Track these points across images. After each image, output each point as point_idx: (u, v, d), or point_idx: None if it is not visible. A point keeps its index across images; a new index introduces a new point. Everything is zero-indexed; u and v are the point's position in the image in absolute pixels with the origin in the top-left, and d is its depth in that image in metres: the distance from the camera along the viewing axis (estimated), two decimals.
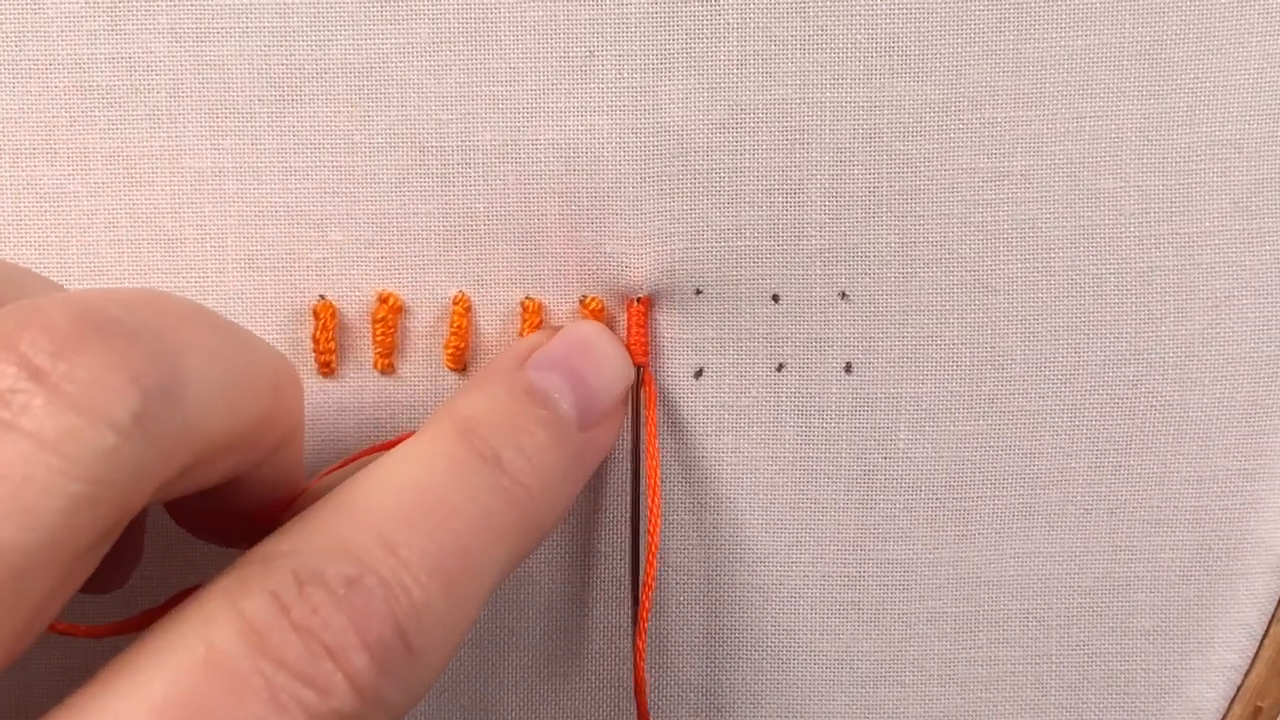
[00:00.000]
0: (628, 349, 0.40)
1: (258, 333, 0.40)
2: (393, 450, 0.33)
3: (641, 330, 0.40)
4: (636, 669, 0.40)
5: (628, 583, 0.42)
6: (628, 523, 0.42)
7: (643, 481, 0.41)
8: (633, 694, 0.42)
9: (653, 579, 0.41)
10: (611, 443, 0.39)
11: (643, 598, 0.40)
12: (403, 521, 0.30)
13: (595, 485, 0.42)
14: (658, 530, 0.41)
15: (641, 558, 0.41)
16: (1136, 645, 0.42)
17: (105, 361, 0.26)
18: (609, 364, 0.39)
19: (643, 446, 0.41)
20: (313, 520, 0.30)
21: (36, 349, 0.26)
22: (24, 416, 0.25)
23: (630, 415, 0.41)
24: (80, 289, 0.30)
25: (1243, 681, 0.43)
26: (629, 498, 0.41)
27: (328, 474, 0.37)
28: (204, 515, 0.36)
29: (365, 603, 0.28)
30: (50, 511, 0.25)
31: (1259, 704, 0.42)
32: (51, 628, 0.32)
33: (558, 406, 0.36)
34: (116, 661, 0.26)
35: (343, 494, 0.31)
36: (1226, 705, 0.43)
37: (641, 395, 0.41)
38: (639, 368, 0.40)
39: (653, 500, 0.40)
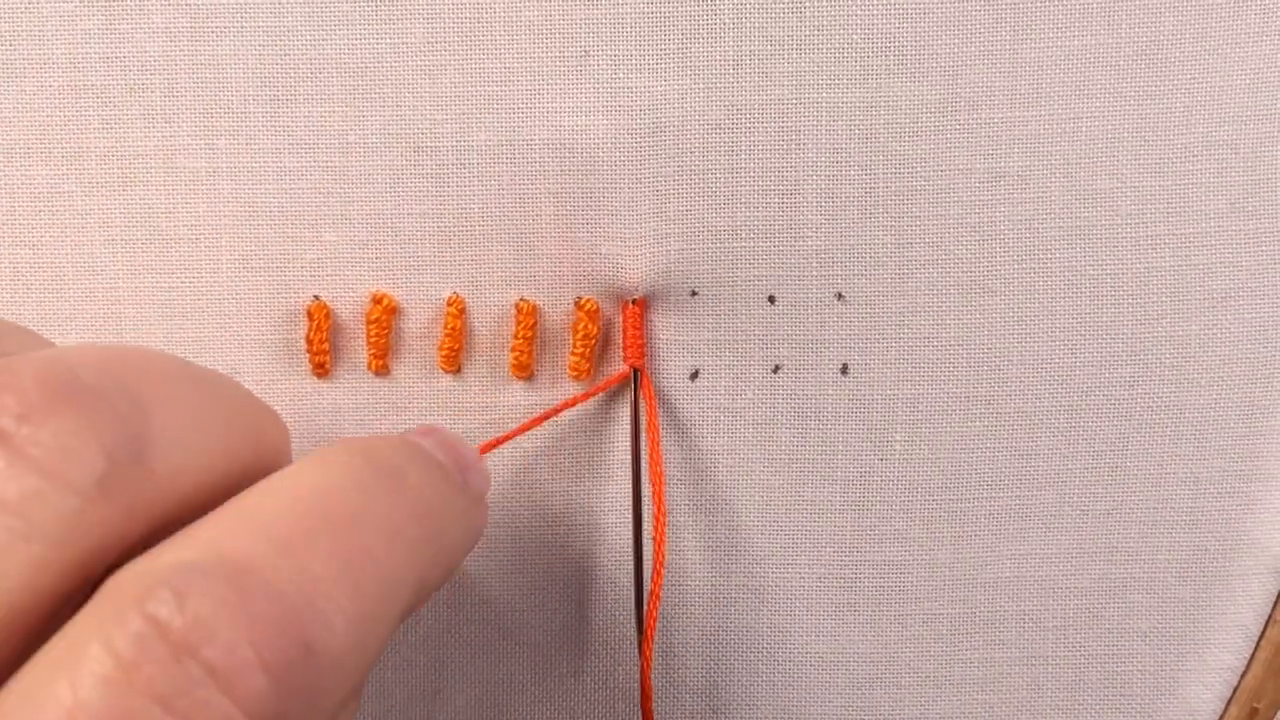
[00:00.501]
0: (623, 351, 0.40)
1: (251, 333, 0.40)
2: (288, 466, 0.30)
3: (637, 332, 0.40)
4: (643, 676, 0.40)
5: (626, 584, 0.42)
6: (628, 526, 0.41)
7: (644, 486, 0.41)
8: (631, 696, 0.42)
9: (659, 588, 0.41)
10: (483, 527, 0.35)
11: (649, 606, 0.40)
12: (300, 526, 0.27)
13: (595, 487, 0.42)
14: (664, 540, 0.41)
15: (646, 568, 0.41)
16: (1133, 646, 0.42)
17: (71, 425, 0.26)
18: (471, 450, 0.35)
19: (644, 450, 0.41)
20: (198, 528, 0.27)
21: (3, 412, 0.25)
22: None
23: (630, 418, 0.41)
24: (60, 348, 0.28)
25: (1239, 683, 0.43)
26: (630, 501, 0.41)
27: None
28: None
29: (260, 610, 0.25)
30: (10, 574, 0.24)
31: (1255, 705, 0.42)
32: None
33: (443, 461, 0.34)
34: None
35: (232, 503, 0.28)
36: (1223, 706, 0.43)
37: (640, 398, 0.40)
38: (635, 371, 0.40)
39: (658, 510, 0.40)
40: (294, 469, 0.29)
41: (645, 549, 0.41)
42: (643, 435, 0.41)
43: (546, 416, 0.40)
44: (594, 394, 0.41)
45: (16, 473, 0.25)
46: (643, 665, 0.40)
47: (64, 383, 0.26)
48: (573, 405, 0.41)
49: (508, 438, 0.40)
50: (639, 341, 0.40)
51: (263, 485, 0.29)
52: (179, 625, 0.24)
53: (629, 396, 0.41)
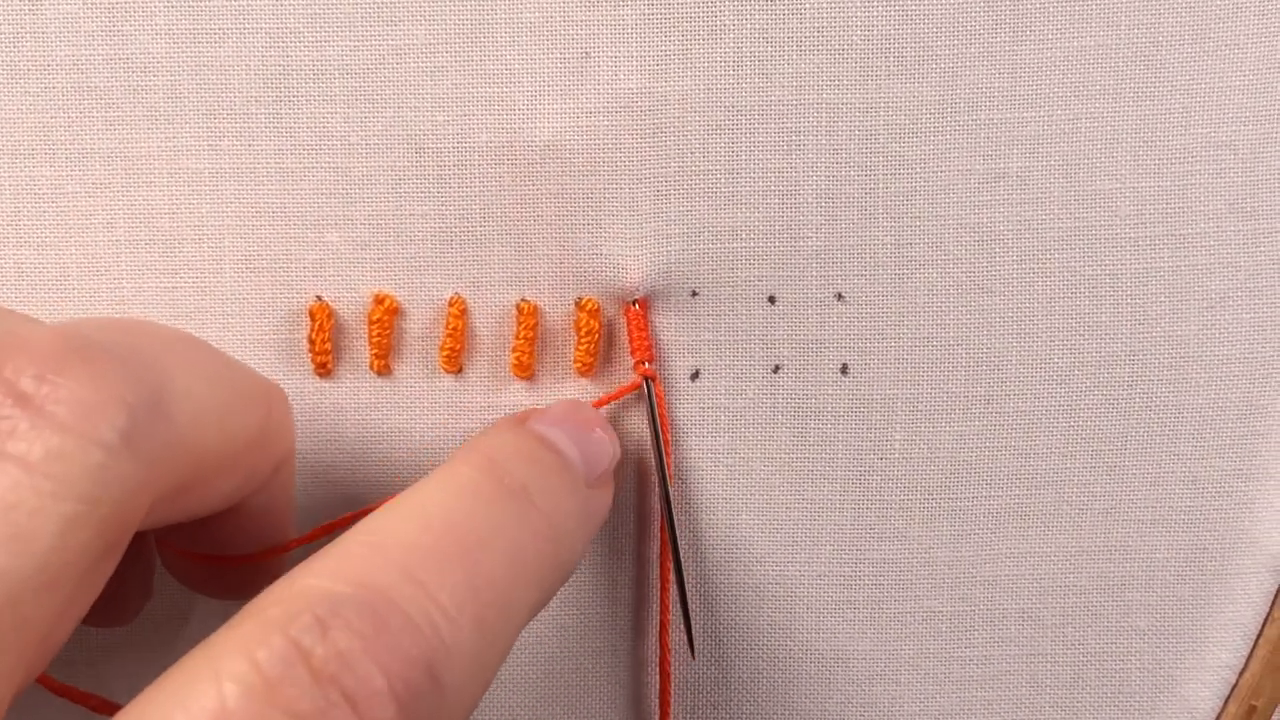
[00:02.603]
0: (631, 354, 0.40)
1: (254, 333, 0.41)
2: (417, 483, 0.32)
3: (643, 333, 0.40)
4: (662, 675, 0.41)
5: (629, 581, 0.42)
6: (631, 525, 0.42)
7: (670, 488, 0.41)
8: (638, 697, 0.42)
9: (668, 581, 0.41)
10: (607, 510, 0.37)
11: (662, 599, 0.41)
12: (430, 555, 0.28)
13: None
14: (668, 537, 0.41)
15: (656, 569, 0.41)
16: (1131, 644, 0.42)
17: (90, 382, 0.26)
18: (597, 430, 0.37)
19: (661, 452, 0.41)
20: (336, 555, 0.28)
21: (20, 374, 0.26)
22: (10, 442, 0.25)
23: (649, 426, 0.41)
24: (71, 319, 0.29)
25: (1237, 680, 0.43)
26: (650, 506, 0.41)
27: (311, 538, 0.37)
28: (198, 558, 0.36)
29: (394, 643, 0.26)
30: (43, 535, 0.25)
31: (1253, 703, 0.43)
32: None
33: (567, 455, 0.35)
34: (124, 713, 0.25)
35: (366, 527, 0.29)
36: (1221, 704, 0.43)
37: (654, 403, 0.41)
38: (648, 380, 0.40)
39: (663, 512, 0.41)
40: (422, 487, 0.31)
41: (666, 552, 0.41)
42: (660, 437, 0.41)
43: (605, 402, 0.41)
44: (610, 400, 0.40)
45: (40, 433, 0.25)
46: (662, 654, 0.41)
47: (80, 344, 0.27)
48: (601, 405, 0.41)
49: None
50: (645, 343, 0.40)
51: (392, 505, 0.30)
52: (320, 654, 0.25)
53: (637, 401, 0.41)
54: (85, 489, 0.25)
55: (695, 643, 0.42)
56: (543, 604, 0.32)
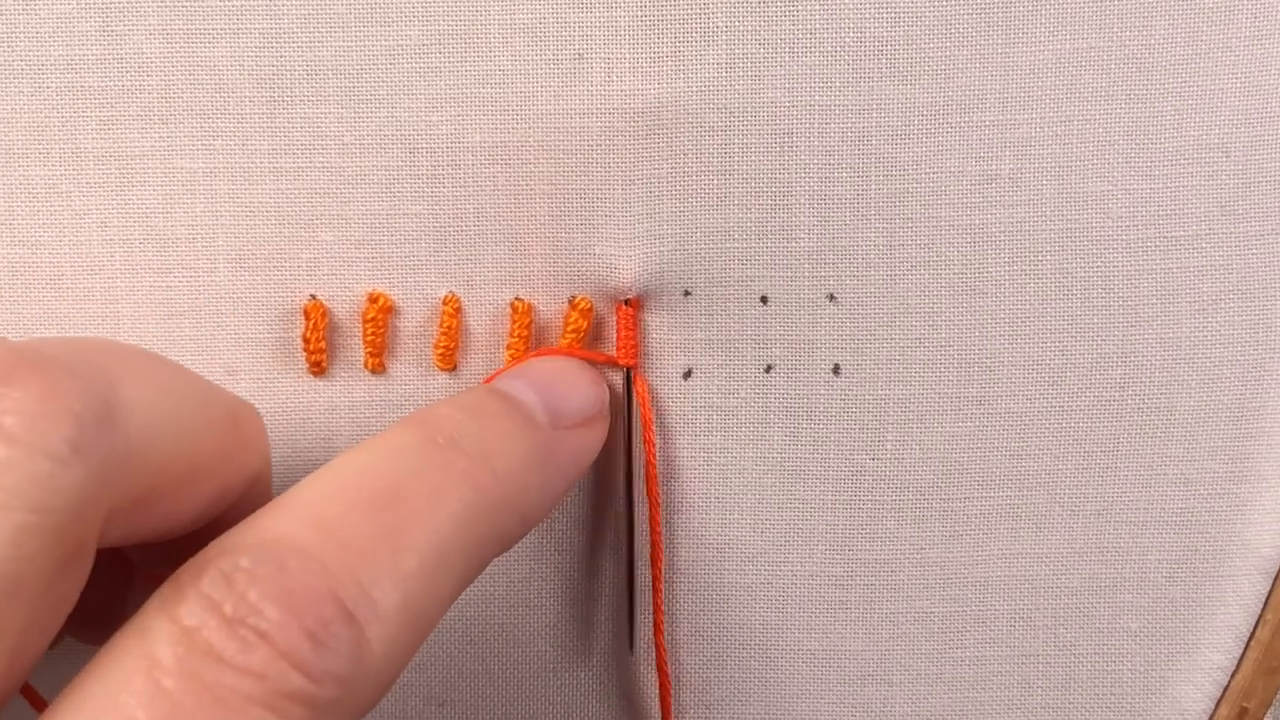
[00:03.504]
0: (617, 351, 0.40)
1: (248, 332, 0.41)
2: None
3: (630, 333, 0.40)
4: (659, 662, 0.41)
5: (617, 580, 0.42)
6: (620, 523, 0.42)
7: (636, 485, 0.41)
8: (632, 696, 0.42)
9: (660, 579, 0.41)
10: (593, 449, 0.39)
11: (655, 598, 0.41)
12: (335, 503, 0.29)
13: (592, 486, 0.42)
14: (660, 535, 0.41)
15: (641, 565, 0.41)
16: (1123, 646, 0.42)
17: (37, 392, 0.26)
18: (575, 374, 0.39)
19: (636, 450, 0.41)
20: (248, 521, 0.29)
21: None
22: None
23: (624, 419, 0.41)
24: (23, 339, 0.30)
25: (1229, 682, 0.43)
26: (622, 500, 0.42)
27: None
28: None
29: (295, 582, 0.27)
30: None
31: (1245, 705, 0.43)
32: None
33: (520, 400, 0.36)
34: (64, 693, 0.26)
35: (282, 495, 0.30)
36: (1213, 706, 0.43)
37: (633, 398, 0.41)
38: (628, 370, 0.41)
39: (653, 507, 0.41)
40: (344, 454, 0.32)
41: (636, 547, 0.41)
42: (635, 434, 0.41)
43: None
44: (576, 354, 0.41)
45: None
46: (658, 654, 0.41)
47: (28, 356, 0.27)
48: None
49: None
50: (632, 342, 0.40)
51: (312, 474, 0.31)
52: (227, 601, 0.27)
53: (623, 396, 0.41)
54: (34, 498, 0.25)
55: (670, 641, 0.42)
56: (487, 547, 0.32)
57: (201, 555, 0.28)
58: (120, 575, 0.36)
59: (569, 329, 0.40)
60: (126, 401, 0.28)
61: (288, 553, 0.28)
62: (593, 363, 0.41)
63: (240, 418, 0.32)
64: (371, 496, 0.30)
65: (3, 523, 0.25)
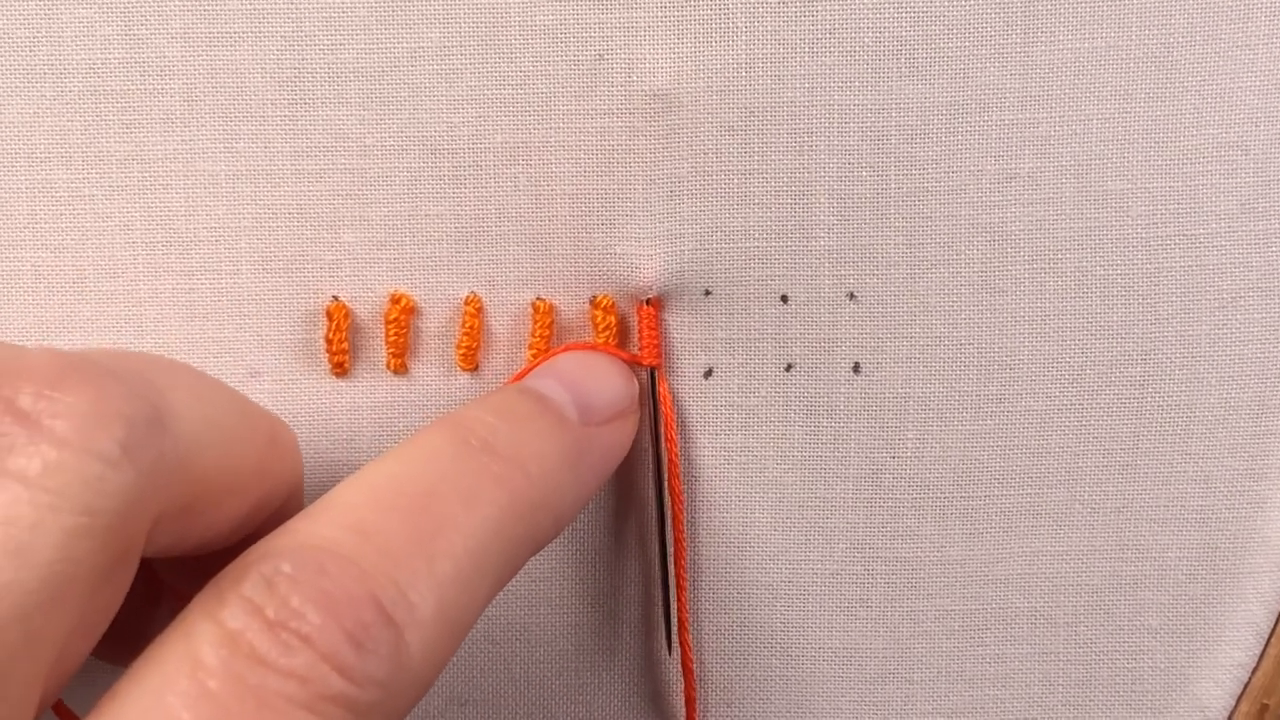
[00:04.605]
0: (640, 351, 0.41)
1: (271, 334, 0.41)
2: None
3: (653, 333, 0.40)
4: (684, 659, 0.41)
5: (640, 578, 0.42)
6: (649, 523, 0.42)
7: (665, 485, 0.41)
8: (656, 697, 0.42)
9: (684, 578, 0.41)
10: (624, 445, 0.39)
11: (678, 597, 0.41)
12: (373, 508, 0.30)
13: (617, 486, 0.42)
14: (683, 533, 0.41)
15: (670, 563, 0.41)
16: (1144, 643, 0.43)
17: (88, 397, 0.26)
18: (604, 369, 0.39)
19: (662, 448, 0.41)
20: (287, 526, 0.29)
21: (19, 391, 0.26)
22: (9, 458, 0.25)
23: (649, 420, 0.41)
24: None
25: (1250, 679, 0.43)
26: (652, 499, 0.42)
27: None
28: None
29: (336, 587, 0.27)
30: (45, 547, 0.25)
31: (1265, 701, 0.43)
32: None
33: (551, 399, 0.36)
34: (108, 695, 0.26)
35: (319, 499, 0.30)
36: (1233, 703, 0.43)
37: (655, 397, 0.41)
38: (652, 370, 0.41)
39: (677, 505, 0.41)
40: (378, 458, 0.32)
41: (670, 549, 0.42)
42: (661, 434, 0.41)
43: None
44: (602, 349, 0.41)
45: (38, 447, 0.25)
46: (683, 652, 0.41)
47: (77, 363, 0.27)
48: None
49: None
50: (655, 341, 0.41)
51: (348, 479, 0.31)
52: (269, 605, 0.27)
53: (647, 396, 0.41)
54: (85, 501, 0.25)
55: (693, 640, 0.42)
56: (521, 547, 0.33)
57: (242, 560, 0.28)
58: (149, 594, 0.37)
59: (600, 329, 0.40)
60: (174, 408, 0.28)
61: (326, 557, 0.28)
62: (620, 359, 0.41)
63: (277, 433, 0.33)
64: (407, 501, 0.30)
65: (53, 525, 0.25)
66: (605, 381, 0.39)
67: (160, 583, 0.37)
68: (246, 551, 0.28)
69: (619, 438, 0.38)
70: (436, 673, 0.29)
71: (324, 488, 0.41)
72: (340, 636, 0.27)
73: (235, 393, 0.32)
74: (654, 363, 0.41)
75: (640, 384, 0.41)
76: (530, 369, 0.40)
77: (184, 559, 0.34)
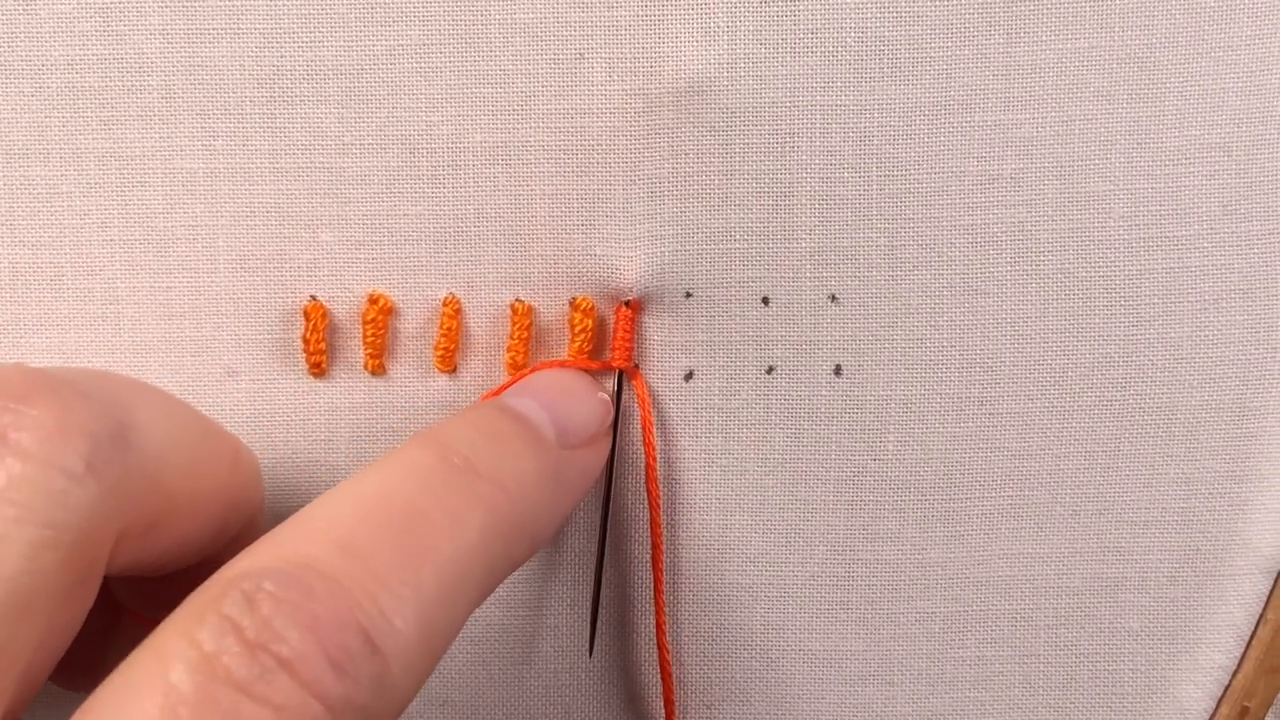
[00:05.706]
0: (611, 354, 0.40)
1: (248, 333, 0.41)
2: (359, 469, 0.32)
3: (627, 335, 0.40)
4: (664, 675, 0.41)
5: (614, 581, 0.42)
6: (626, 525, 0.42)
7: (612, 486, 0.41)
8: (636, 696, 0.42)
9: (662, 580, 0.41)
10: (596, 469, 0.39)
11: (657, 600, 0.41)
12: (360, 527, 0.29)
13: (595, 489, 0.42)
14: (661, 538, 0.41)
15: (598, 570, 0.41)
16: (1124, 646, 0.42)
17: (54, 412, 0.26)
18: (580, 392, 0.39)
19: (625, 451, 0.41)
20: (267, 539, 0.29)
21: None
22: None
23: (616, 421, 0.41)
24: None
25: (1230, 682, 0.43)
26: (628, 503, 0.42)
27: None
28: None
29: (322, 609, 0.27)
30: (9, 559, 0.25)
31: (1246, 704, 0.43)
32: None
33: (531, 420, 0.36)
34: (77, 715, 0.26)
35: (300, 512, 0.30)
36: (1214, 705, 0.43)
37: (630, 399, 0.41)
38: (621, 373, 0.41)
39: (654, 508, 0.41)
40: (361, 472, 0.31)
41: (606, 551, 0.42)
42: (631, 434, 0.41)
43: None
44: (578, 364, 0.40)
45: (2, 460, 0.26)
46: (662, 654, 0.41)
47: (44, 379, 0.27)
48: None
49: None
50: (627, 344, 0.40)
51: (330, 492, 0.31)
52: (250, 625, 0.26)
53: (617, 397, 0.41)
54: (49, 514, 0.25)
55: (672, 642, 0.42)
56: (502, 567, 0.32)
57: (220, 575, 0.27)
58: (107, 618, 0.36)
59: (577, 331, 0.40)
60: (139, 425, 0.28)
61: (313, 576, 0.27)
62: (592, 371, 0.41)
63: (240, 455, 0.33)
64: (392, 519, 0.30)
65: (18, 537, 0.25)
66: (581, 404, 0.38)
67: (119, 607, 0.36)
68: (227, 565, 0.28)
69: (592, 461, 0.38)
70: (414, 693, 0.29)
71: (301, 488, 0.41)
72: (323, 662, 0.26)
73: (200, 414, 0.32)
74: (624, 365, 0.40)
75: (608, 390, 0.41)
76: (507, 385, 0.40)
77: (143, 582, 0.33)
